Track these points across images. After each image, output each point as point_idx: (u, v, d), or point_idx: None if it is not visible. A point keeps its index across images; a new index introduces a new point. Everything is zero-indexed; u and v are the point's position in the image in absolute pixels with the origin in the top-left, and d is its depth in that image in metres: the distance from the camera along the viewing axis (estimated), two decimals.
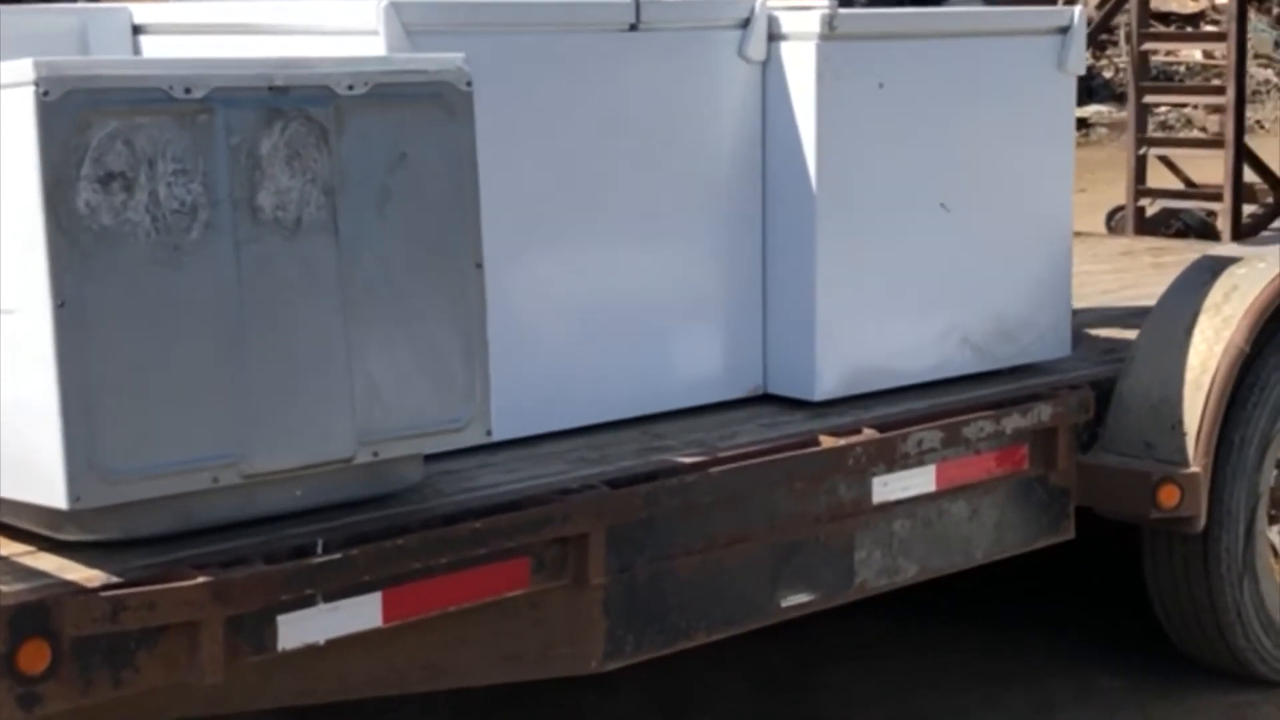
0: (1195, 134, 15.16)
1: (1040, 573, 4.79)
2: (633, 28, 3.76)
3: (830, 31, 3.90)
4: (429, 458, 3.34)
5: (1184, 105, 16.07)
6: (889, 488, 3.86)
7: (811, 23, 3.91)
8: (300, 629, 3.02)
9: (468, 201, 3.23)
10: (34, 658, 2.75)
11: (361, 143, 3.09)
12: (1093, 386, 4.29)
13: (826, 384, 4.02)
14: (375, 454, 3.16)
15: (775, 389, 4.07)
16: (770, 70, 3.97)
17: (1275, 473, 4.43)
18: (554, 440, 3.72)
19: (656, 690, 4.44)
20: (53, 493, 2.85)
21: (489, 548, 3.23)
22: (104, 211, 2.82)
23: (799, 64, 3.93)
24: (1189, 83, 16.37)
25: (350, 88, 3.08)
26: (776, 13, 3.96)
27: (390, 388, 3.15)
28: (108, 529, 2.95)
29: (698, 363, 3.98)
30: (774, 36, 3.96)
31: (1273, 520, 4.48)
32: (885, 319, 4.11)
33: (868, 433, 3.83)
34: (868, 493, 3.83)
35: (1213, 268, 4.43)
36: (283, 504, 3.11)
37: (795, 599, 3.76)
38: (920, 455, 3.90)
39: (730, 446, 3.71)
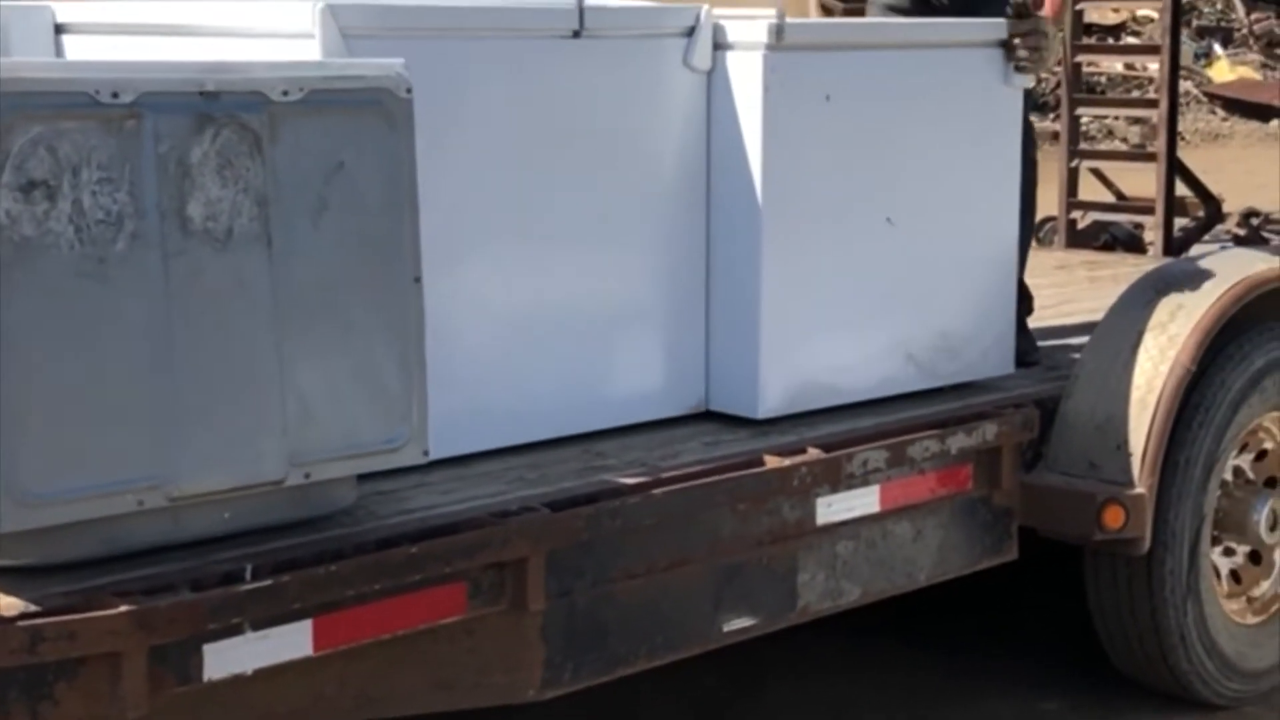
0: (1116, 145, 15.24)
1: (981, 592, 4.73)
2: (576, 34, 3.65)
3: (777, 41, 3.81)
4: (362, 477, 3.22)
5: (1105, 116, 16.14)
6: (833, 509, 3.78)
7: (758, 32, 3.81)
8: (227, 658, 2.90)
9: (406, 213, 3.11)
10: None
11: (296, 151, 2.97)
12: (1037, 405, 4.23)
13: (770, 401, 3.93)
14: (307, 475, 3.04)
15: (718, 406, 3.97)
16: (716, 80, 3.87)
17: (1219, 494, 4.39)
18: (492, 459, 3.61)
19: (592, 711, 4.34)
20: None
21: (424, 573, 3.12)
22: (25, 221, 2.68)
23: (745, 74, 3.83)
24: (1110, 94, 16.45)
25: (285, 94, 2.95)
26: (723, 21, 3.86)
27: (323, 406, 3.03)
28: (26, 554, 2.81)
29: (639, 379, 3.88)
30: (720, 45, 3.85)
31: (1216, 542, 4.44)
32: (830, 335, 4.02)
33: (812, 452, 3.75)
34: (812, 514, 3.75)
35: (1157, 285, 4.38)
36: (210, 527, 2.98)
37: (737, 623, 3.67)
38: (865, 475, 3.82)
39: (673, 466, 3.61)
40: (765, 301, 3.89)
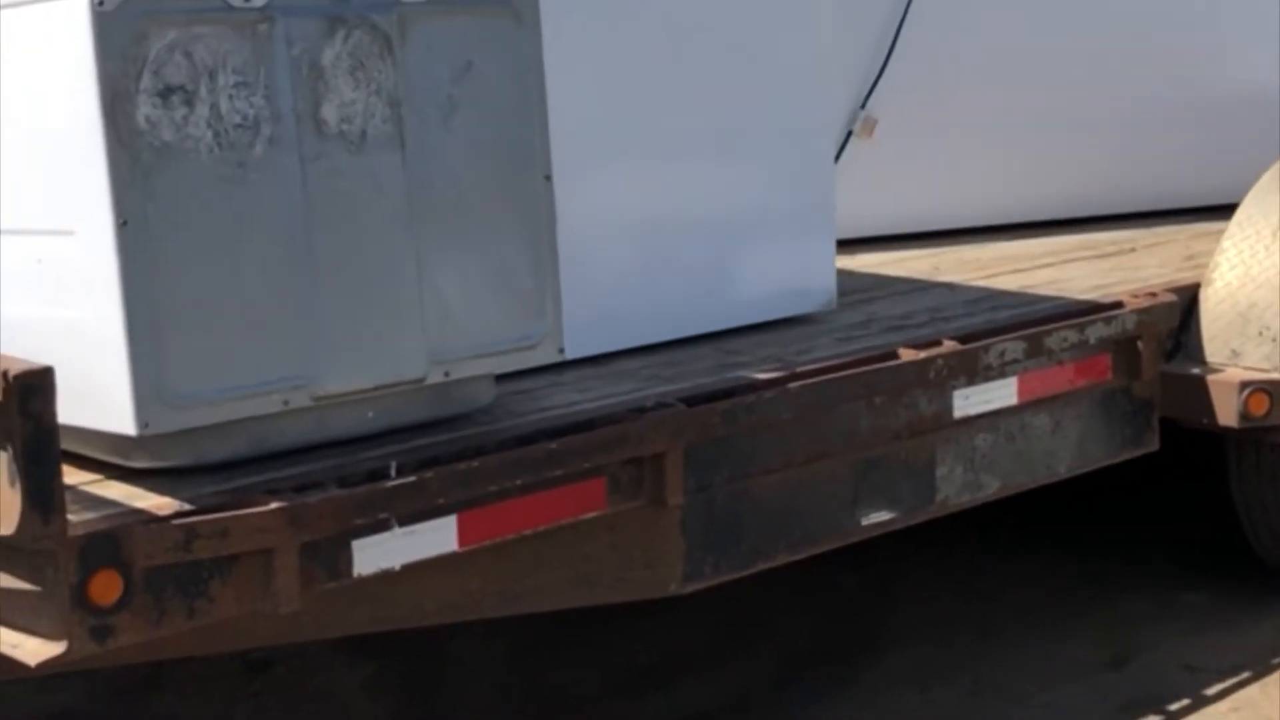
0: None
1: (1119, 488, 4.68)
2: None
3: None
4: (500, 377, 3.24)
5: None
6: (970, 401, 3.75)
7: None
8: (375, 554, 2.93)
9: (535, 112, 3.11)
10: (106, 589, 2.66)
11: (426, 52, 2.97)
12: (1176, 293, 4.16)
13: None
14: (447, 374, 3.06)
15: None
16: None
17: None
18: (625, 358, 3.62)
19: (719, 611, 4.34)
20: (120, 419, 2.76)
21: (564, 469, 3.13)
22: (165, 126, 2.71)
23: None
24: None
25: None
26: None
27: (460, 306, 3.05)
28: (177, 455, 2.86)
29: (771, 277, 3.87)
30: None
31: None
32: None
33: (948, 344, 3.71)
34: (949, 406, 3.72)
35: None
36: (354, 426, 3.02)
37: (876, 517, 3.66)
38: (1002, 367, 3.78)
39: (807, 361, 3.60)
40: None
